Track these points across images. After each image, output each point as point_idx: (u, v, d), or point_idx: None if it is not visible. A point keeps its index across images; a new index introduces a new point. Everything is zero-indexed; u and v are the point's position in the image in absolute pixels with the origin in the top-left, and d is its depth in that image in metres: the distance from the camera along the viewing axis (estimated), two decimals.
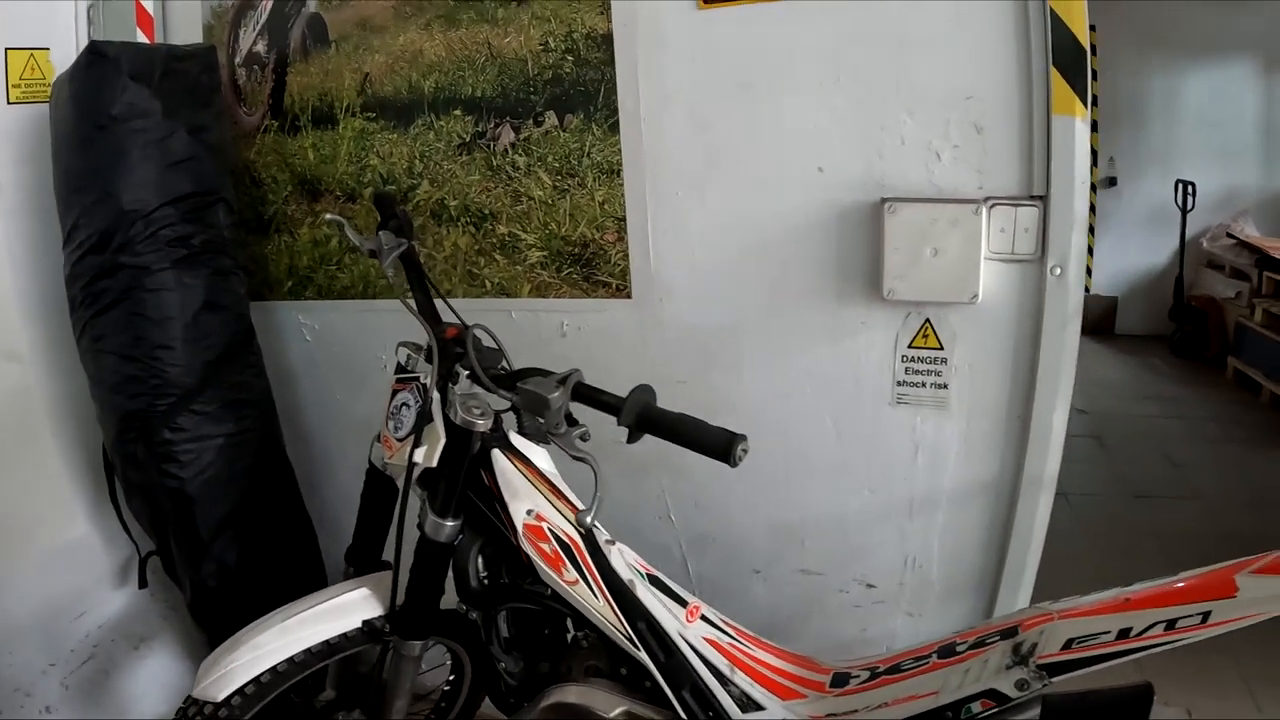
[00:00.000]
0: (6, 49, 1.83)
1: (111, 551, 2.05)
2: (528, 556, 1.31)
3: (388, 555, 1.54)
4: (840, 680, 1.38)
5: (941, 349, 1.59)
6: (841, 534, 1.76)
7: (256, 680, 1.38)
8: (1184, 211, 5.19)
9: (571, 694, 1.37)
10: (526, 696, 1.44)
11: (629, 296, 1.77)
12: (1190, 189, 5.15)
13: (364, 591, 1.46)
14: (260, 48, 1.98)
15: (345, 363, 2.07)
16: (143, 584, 2.04)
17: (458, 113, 1.81)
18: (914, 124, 1.53)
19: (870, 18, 1.51)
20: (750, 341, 1.71)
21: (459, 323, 1.42)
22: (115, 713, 2.05)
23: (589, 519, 1.16)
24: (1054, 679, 1.18)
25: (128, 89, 1.71)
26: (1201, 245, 5.28)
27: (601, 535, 1.34)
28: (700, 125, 1.64)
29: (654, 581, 1.37)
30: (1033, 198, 1.49)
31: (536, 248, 1.82)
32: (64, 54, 1.85)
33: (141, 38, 2.00)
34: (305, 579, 2.05)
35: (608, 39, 1.66)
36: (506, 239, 1.84)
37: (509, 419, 1.37)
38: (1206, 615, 1.11)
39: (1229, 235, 5.10)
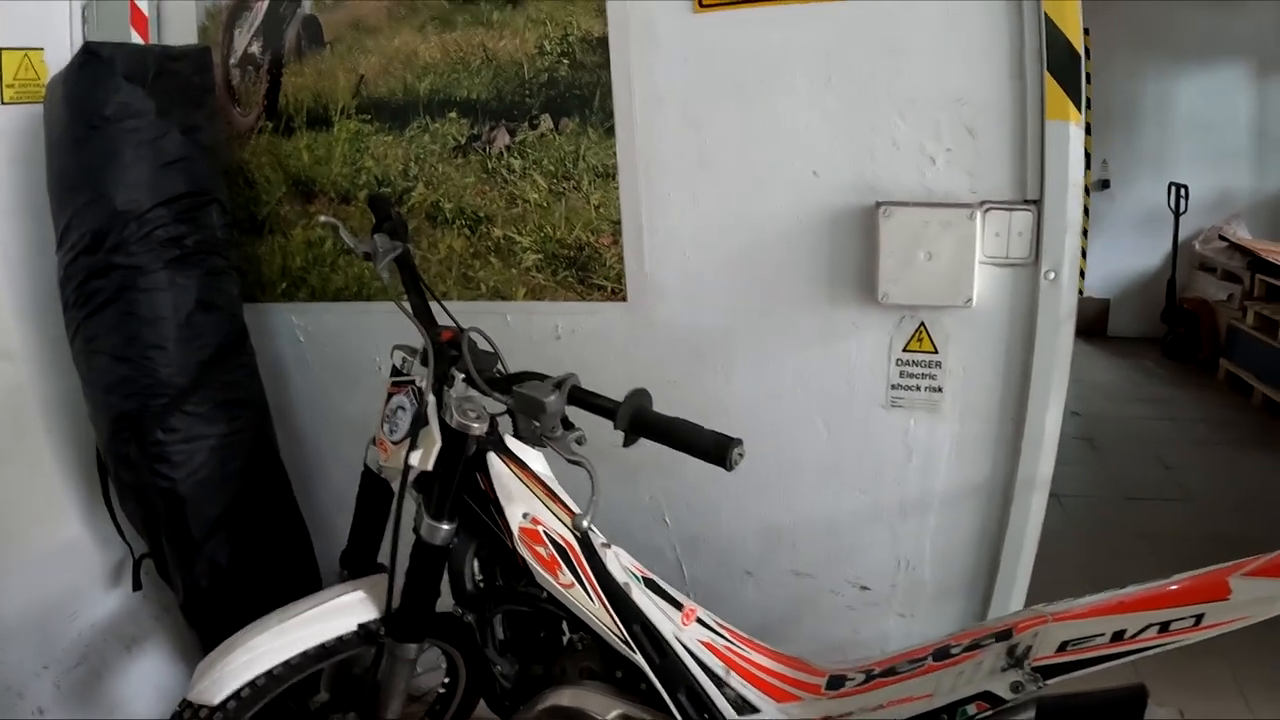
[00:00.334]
0: (1, 49, 1.82)
1: (104, 552, 2.04)
2: (523, 560, 1.31)
3: (382, 558, 1.55)
4: (836, 683, 1.39)
5: (936, 352, 1.60)
6: (833, 536, 1.76)
7: (252, 684, 1.38)
8: (1177, 214, 5.21)
9: (566, 696, 1.38)
10: (522, 699, 1.44)
11: (624, 299, 1.77)
12: (1183, 192, 5.17)
13: (359, 594, 1.46)
14: (255, 48, 1.97)
15: (338, 364, 2.07)
16: (137, 586, 2.02)
17: (453, 115, 1.81)
18: (907, 127, 1.53)
19: (863, 20, 1.51)
20: (743, 344, 1.72)
21: (454, 326, 1.42)
22: (108, 714, 2.04)
23: (586, 523, 1.16)
24: (1048, 681, 1.18)
25: (121, 89, 1.71)
26: (1194, 248, 5.30)
27: (597, 538, 1.35)
28: (694, 128, 1.64)
29: (650, 584, 1.37)
30: (1026, 202, 1.50)
31: (532, 251, 1.82)
32: (58, 54, 1.84)
33: (136, 38, 2.00)
34: (298, 580, 2.04)
35: (603, 42, 1.66)
36: (501, 242, 1.84)
37: (504, 422, 1.37)
38: (1200, 618, 1.11)
39: (1221, 238, 5.13)
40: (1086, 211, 4.82)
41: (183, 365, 1.80)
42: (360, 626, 1.44)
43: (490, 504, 1.35)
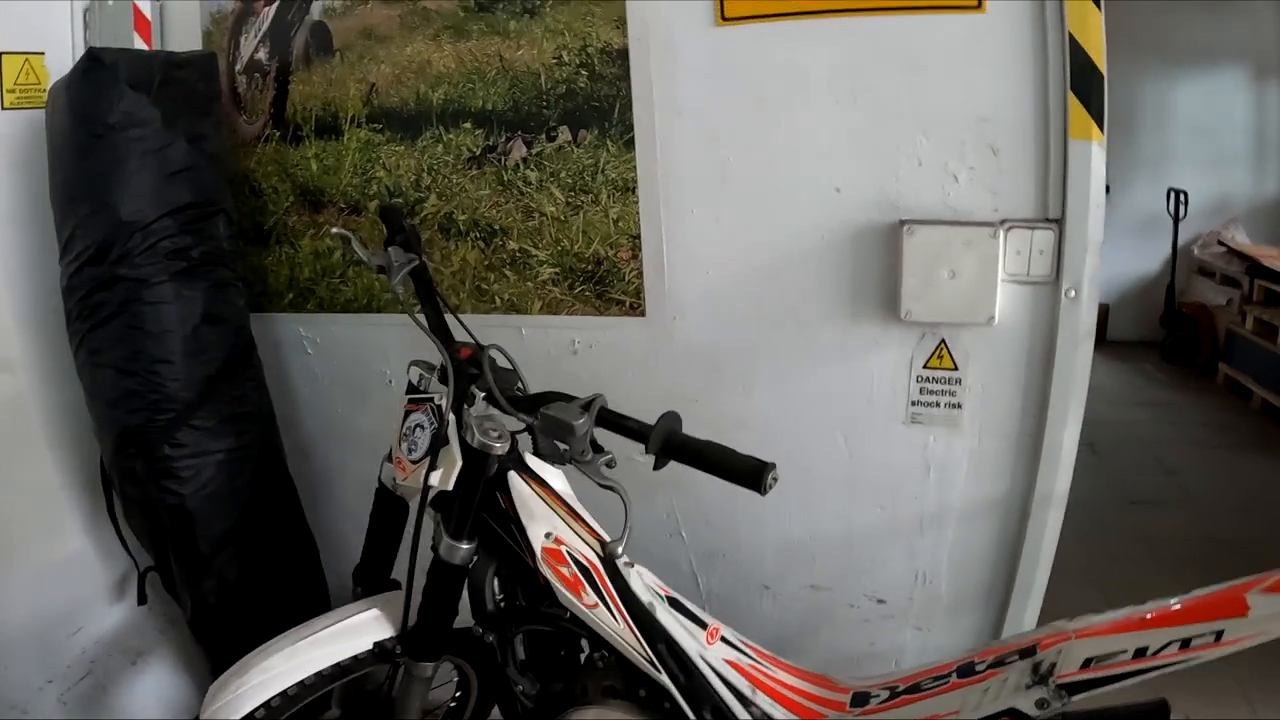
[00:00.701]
0: (1, 53, 1.79)
1: (108, 566, 2.02)
2: (546, 580, 1.29)
3: (397, 574, 1.53)
4: (860, 700, 1.38)
5: (956, 369, 1.60)
6: (851, 550, 1.76)
7: (267, 704, 1.36)
8: (1176, 219, 5.22)
9: (590, 716, 1.37)
10: (543, 718, 1.43)
11: (642, 314, 1.75)
12: (1182, 197, 5.18)
13: (374, 612, 1.44)
14: (261, 55, 1.94)
15: (348, 377, 2.04)
16: (142, 600, 2.00)
17: (467, 125, 1.79)
18: (931, 145, 1.52)
19: (887, 37, 1.50)
20: (763, 360, 1.71)
21: (473, 342, 1.40)
22: None
23: (620, 550, 1.14)
24: (1073, 698, 1.18)
25: (125, 97, 1.68)
26: (1193, 253, 5.32)
27: (621, 558, 1.33)
28: (716, 142, 1.63)
29: (673, 604, 1.36)
30: (1048, 220, 1.50)
31: (548, 264, 1.80)
32: (60, 58, 1.82)
33: (139, 42, 1.96)
34: (307, 595, 2.03)
35: (623, 54, 1.64)
36: (517, 255, 1.82)
37: (523, 439, 1.36)
38: (1220, 634, 1.12)
39: (1220, 243, 5.14)
40: None
41: (189, 379, 1.77)
42: (376, 645, 1.42)
43: (511, 523, 1.33)
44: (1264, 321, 4.43)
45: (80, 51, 1.72)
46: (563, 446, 1.19)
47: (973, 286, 1.51)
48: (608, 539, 1.34)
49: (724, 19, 1.56)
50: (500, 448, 1.27)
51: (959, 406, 1.61)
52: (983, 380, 1.59)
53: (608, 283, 1.77)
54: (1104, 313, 5.66)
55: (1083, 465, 1.61)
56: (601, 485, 1.16)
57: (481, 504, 1.32)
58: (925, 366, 1.61)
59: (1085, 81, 1.42)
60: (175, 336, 1.75)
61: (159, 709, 2.11)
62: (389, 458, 1.46)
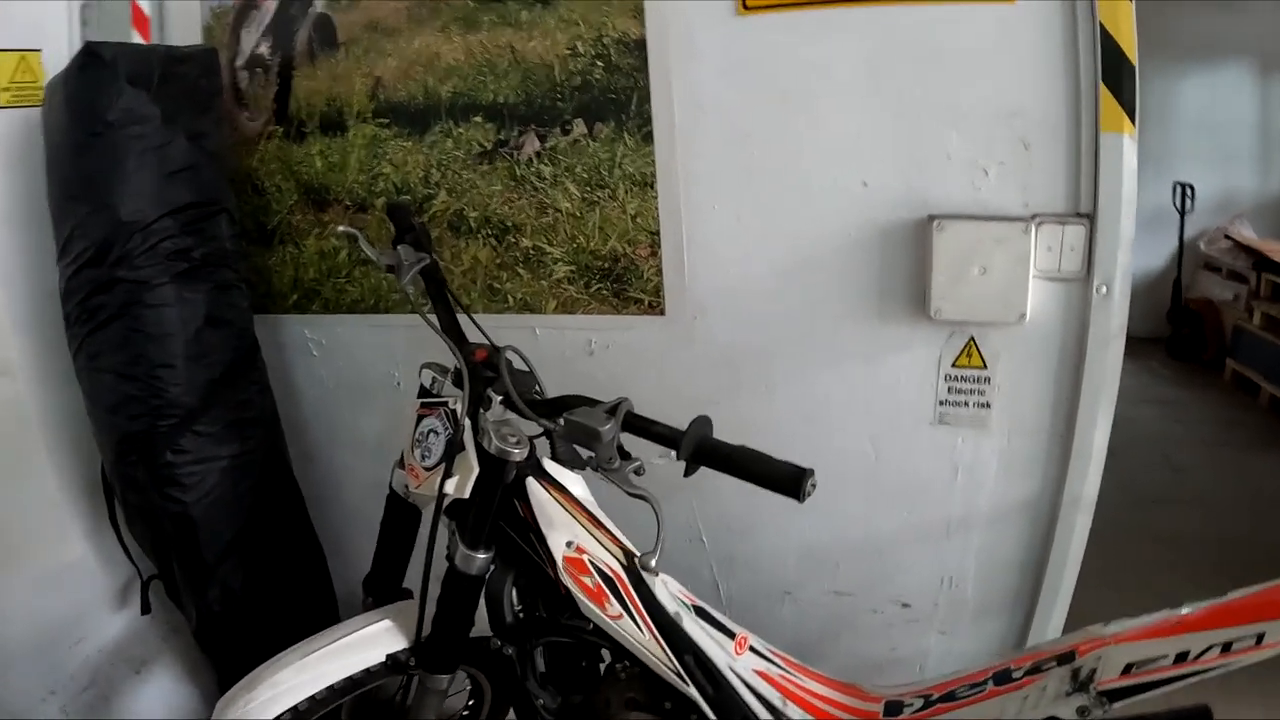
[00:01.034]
0: None
1: (110, 573, 1.99)
2: (567, 591, 1.25)
3: (409, 583, 1.49)
4: (893, 709, 1.35)
5: (985, 368, 1.56)
6: (877, 554, 1.72)
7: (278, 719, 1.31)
8: (1182, 214, 5.19)
9: None
10: None
11: (662, 313, 1.71)
12: (1189, 192, 5.16)
13: (386, 623, 1.40)
14: (264, 50, 1.90)
15: (354, 379, 2.00)
16: (145, 609, 1.97)
17: (478, 119, 1.74)
18: (960, 139, 1.49)
19: (914, 29, 1.46)
20: (786, 360, 1.67)
21: (488, 344, 1.35)
22: None
23: (654, 562, 1.09)
24: (1114, 705, 1.16)
25: (124, 93, 1.64)
26: (1199, 248, 5.29)
27: (654, 570, 1.28)
28: (738, 135, 1.59)
29: (700, 613, 1.32)
30: (1079, 215, 1.46)
31: (563, 262, 1.75)
32: (56, 56, 1.77)
33: (137, 39, 1.93)
34: (314, 603, 1.99)
35: (641, 44, 1.59)
36: (531, 252, 1.77)
37: (540, 444, 1.31)
38: (1261, 637, 1.10)
39: (1226, 238, 5.11)
40: None
41: (192, 384, 1.73)
42: (389, 657, 1.38)
43: (530, 532, 1.28)
44: (1271, 317, 4.41)
45: (78, 49, 1.67)
46: (587, 453, 1.15)
47: (1004, 283, 1.48)
48: (630, 546, 1.29)
49: (746, 8, 1.52)
50: (519, 454, 1.22)
51: (988, 406, 1.58)
52: (1012, 379, 1.56)
53: (625, 281, 1.72)
54: None
55: None
56: (630, 494, 1.11)
57: (499, 512, 1.27)
58: (954, 365, 1.58)
59: (1116, 73, 1.39)
60: (177, 340, 1.71)
61: (164, 717, 2.07)
62: (400, 464, 1.42)
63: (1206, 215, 5.30)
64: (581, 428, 1.13)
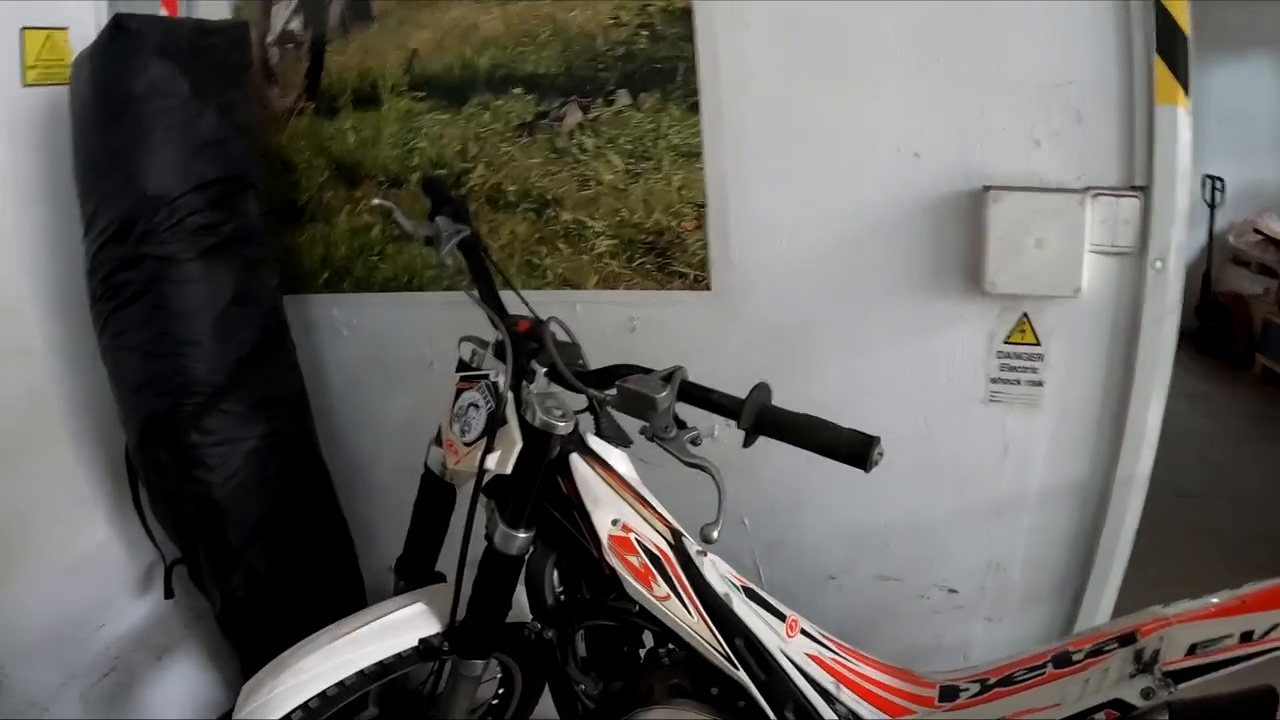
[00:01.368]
0: (23, 29, 1.73)
1: (133, 559, 1.98)
2: (613, 571, 1.20)
3: (441, 566, 1.45)
4: (949, 694, 1.30)
5: (1038, 344, 1.52)
6: (924, 537, 1.68)
7: (304, 706, 1.27)
8: (1211, 207, 5.14)
9: (658, 716, 1.28)
10: (603, 718, 1.34)
11: (707, 288, 1.67)
12: (1218, 184, 5.10)
13: (419, 607, 1.36)
14: (295, 25, 1.87)
15: (385, 360, 1.97)
16: (169, 594, 1.94)
17: (517, 91, 1.71)
18: (1014, 110, 1.45)
19: None
20: (836, 336, 1.63)
21: (531, 315, 1.31)
22: None
23: (715, 534, 1.05)
24: (1179, 686, 1.12)
25: (152, 66, 1.62)
26: (1228, 241, 5.23)
27: (692, 546, 1.24)
28: (786, 106, 1.55)
29: (750, 594, 1.27)
30: (1134, 188, 1.42)
31: (605, 236, 1.71)
32: (83, 34, 1.75)
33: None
34: (341, 589, 1.97)
35: (686, 13, 1.56)
36: (571, 226, 1.74)
37: (583, 420, 1.27)
38: None
39: (1256, 231, 5.05)
40: None
41: (218, 362, 1.71)
42: (421, 642, 1.33)
43: (574, 510, 1.24)
44: None
45: (107, 21, 1.65)
46: (642, 423, 1.10)
47: (1059, 256, 1.44)
48: (677, 525, 1.25)
49: None
50: (565, 427, 1.18)
51: (1040, 384, 1.53)
52: (1065, 356, 1.52)
53: (670, 255, 1.68)
54: None
55: None
56: (688, 464, 1.07)
57: (541, 489, 1.23)
58: (1006, 341, 1.53)
59: (1170, 44, 1.35)
60: (203, 317, 1.69)
61: (185, 707, 2.08)
62: (437, 441, 1.38)
63: (1235, 208, 5.23)
64: (636, 395, 1.09)
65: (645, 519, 1.23)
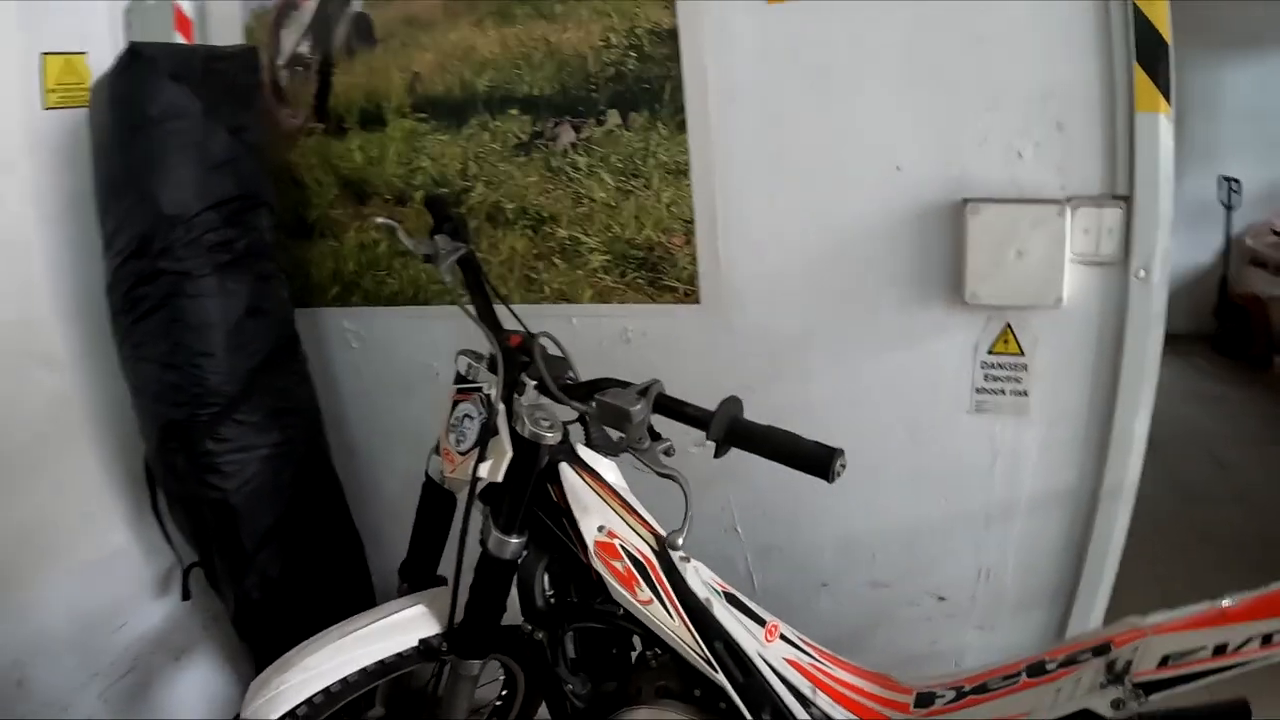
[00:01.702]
0: (43, 54, 1.79)
1: (152, 562, 2.03)
2: (599, 575, 1.25)
3: (443, 570, 1.50)
4: (925, 700, 1.32)
5: (1022, 354, 1.54)
6: (914, 545, 1.70)
7: (309, 701, 1.33)
8: (1228, 208, 5.07)
9: (643, 716, 1.32)
10: (593, 718, 1.38)
11: (697, 302, 1.71)
12: (1234, 185, 5.03)
13: (420, 609, 1.41)
14: (304, 48, 1.93)
15: (393, 371, 2.03)
16: (186, 596, 2.00)
17: (514, 112, 1.76)
18: (993, 121, 1.47)
19: (948, 11, 1.45)
20: (823, 347, 1.66)
21: (523, 330, 1.36)
22: None
23: (680, 541, 1.09)
24: (1150, 697, 1.13)
25: (166, 89, 1.68)
26: (1245, 242, 5.15)
27: (676, 552, 1.28)
28: (771, 122, 1.58)
29: (731, 600, 1.31)
30: (1116, 198, 1.44)
31: (599, 251, 1.76)
32: (101, 58, 1.81)
33: (180, 40, 1.97)
34: (352, 591, 2.02)
35: (673, 34, 1.60)
36: (567, 242, 1.78)
37: (574, 430, 1.31)
38: None
39: (1274, 231, 4.97)
40: None
41: (232, 373, 1.76)
42: (421, 642, 1.39)
43: (563, 516, 1.29)
44: None
45: (123, 48, 1.72)
46: (618, 434, 1.15)
47: (1040, 267, 1.46)
48: (663, 532, 1.29)
49: None
50: (552, 437, 1.23)
51: (1025, 394, 1.55)
52: (1050, 366, 1.53)
53: (661, 269, 1.72)
54: None
55: None
56: (660, 474, 1.11)
57: (532, 496, 1.28)
58: (990, 352, 1.56)
59: (1151, 53, 1.37)
60: (218, 330, 1.75)
61: (202, 706, 2.12)
62: (436, 450, 1.43)
63: (1253, 209, 5.15)
64: (612, 408, 1.13)
65: (630, 526, 1.28)
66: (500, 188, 1.81)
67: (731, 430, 1.09)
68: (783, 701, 1.26)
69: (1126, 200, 1.43)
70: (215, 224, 1.73)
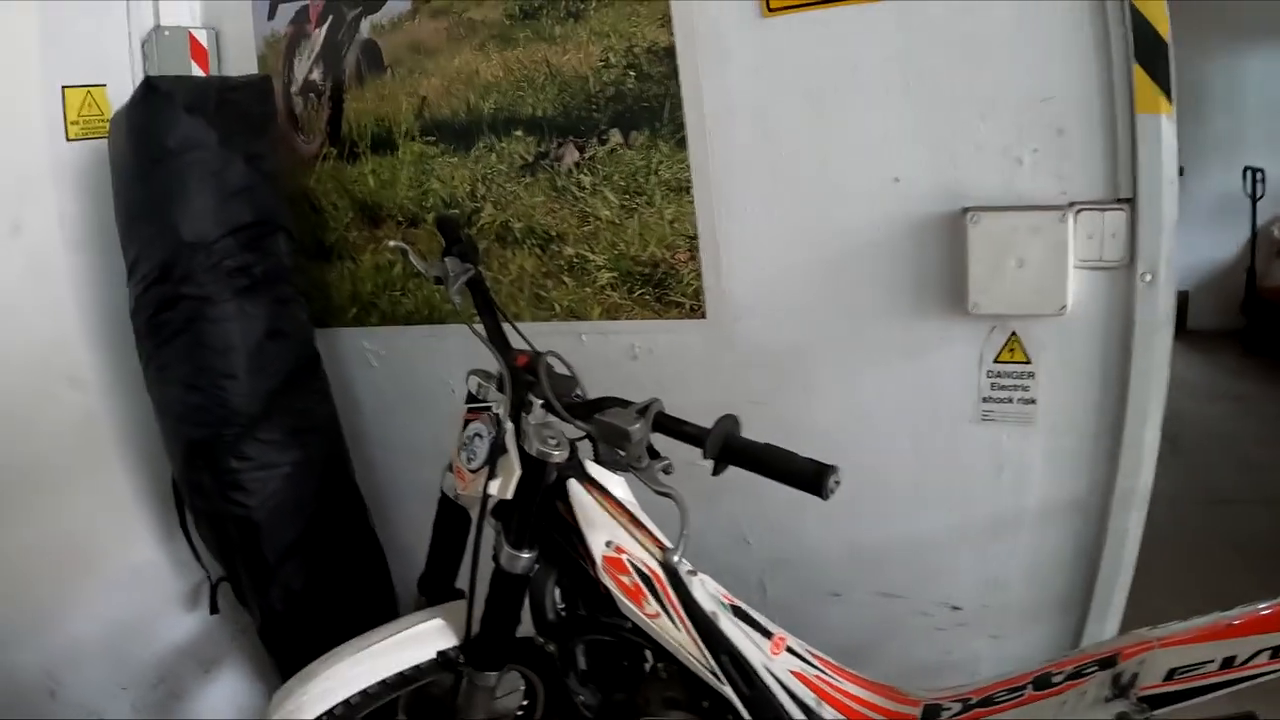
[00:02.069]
0: (64, 87, 1.86)
1: (181, 576, 2.08)
2: (607, 589, 1.27)
3: (461, 583, 1.53)
4: (931, 713, 1.32)
5: (1029, 363, 1.53)
6: (923, 555, 1.70)
7: (330, 713, 1.36)
8: (1254, 200, 4.97)
9: None
10: None
11: (703, 316, 1.72)
12: (1259, 176, 4.94)
13: (438, 622, 1.44)
14: (316, 76, 1.98)
15: (412, 388, 2.06)
16: (214, 610, 2.05)
17: (519, 133, 1.79)
18: (990, 128, 1.46)
19: (940, 19, 1.45)
20: (827, 360, 1.66)
21: (530, 350, 1.39)
22: None
23: (676, 558, 1.11)
24: (1156, 712, 1.12)
25: (182, 121, 1.73)
26: (1273, 234, 5.06)
27: (683, 566, 1.30)
28: (769, 137, 1.59)
29: (738, 613, 1.32)
30: (1119, 201, 1.42)
31: (606, 269, 1.78)
32: (120, 89, 1.87)
33: (196, 70, 2.03)
34: (375, 603, 2.05)
35: (670, 52, 1.62)
36: (574, 260, 1.81)
37: (584, 446, 1.34)
38: None
39: None
40: None
41: (254, 394, 1.81)
42: (439, 654, 1.41)
43: (572, 532, 1.31)
44: None
45: (140, 82, 1.77)
46: (620, 453, 1.17)
47: (1043, 275, 1.44)
48: (669, 546, 1.31)
49: (770, 10, 1.53)
50: (559, 455, 1.25)
51: (1032, 402, 1.54)
52: (1057, 373, 1.52)
53: (666, 285, 1.74)
54: (1183, 301, 5.40)
55: (1162, 463, 1.53)
56: (658, 492, 1.13)
57: (541, 513, 1.30)
58: (996, 361, 1.54)
59: (1150, 52, 1.35)
60: (239, 352, 1.79)
61: (232, 715, 2.16)
62: (450, 468, 1.46)
63: (1278, 201, 5.07)
64: (612, 428, 1.15)
65: (638, 540, 1.29)
66: (508, 208, 1.84)
67: (727, 448, 1.11)
68: (788, 714, 1.27)
69: (1129, 203, 1.41)
70: (234, 250, 1.78)
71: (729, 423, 1.13)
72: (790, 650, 1.34)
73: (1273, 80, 5.07)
